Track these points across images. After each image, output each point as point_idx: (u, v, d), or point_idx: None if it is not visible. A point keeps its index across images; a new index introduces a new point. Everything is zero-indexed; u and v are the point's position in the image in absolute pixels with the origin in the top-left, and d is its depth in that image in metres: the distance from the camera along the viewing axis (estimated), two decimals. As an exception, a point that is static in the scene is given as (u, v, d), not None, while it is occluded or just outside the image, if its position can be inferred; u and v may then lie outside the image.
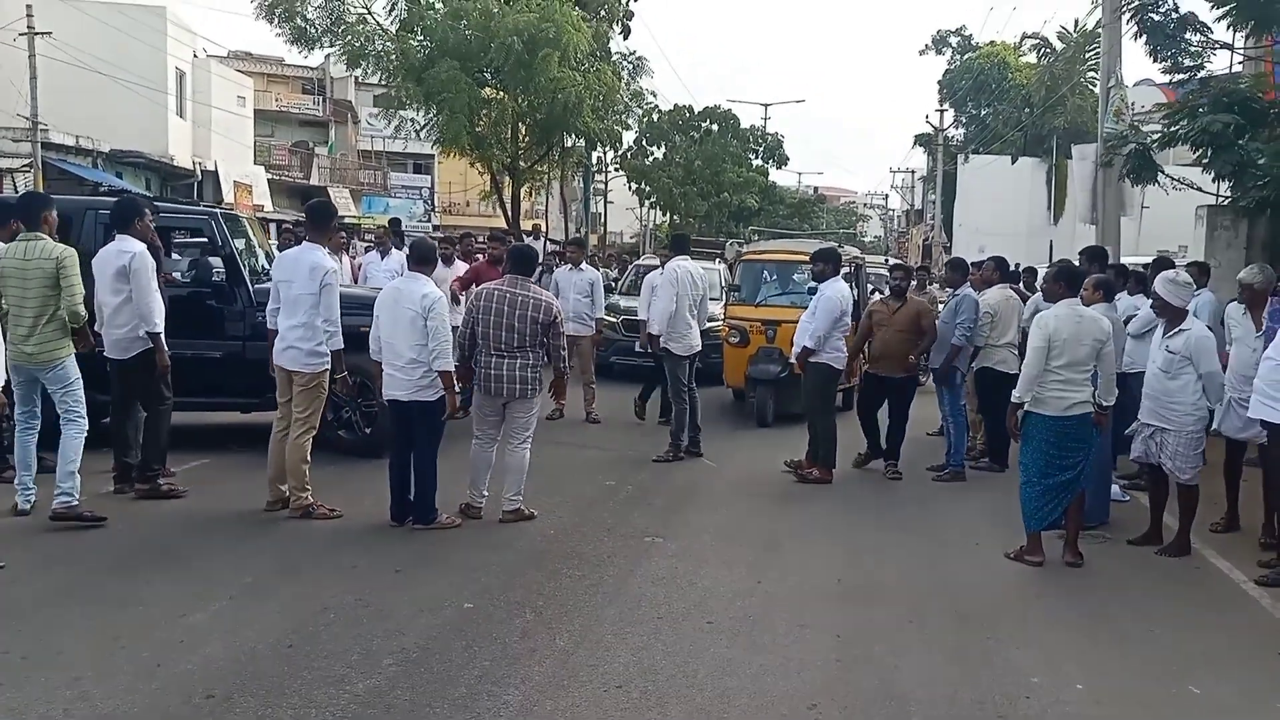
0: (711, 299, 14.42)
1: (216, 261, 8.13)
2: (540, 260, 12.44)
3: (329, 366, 6.52)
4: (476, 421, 6.59)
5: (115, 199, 7.58)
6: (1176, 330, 6.33)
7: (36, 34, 20.60)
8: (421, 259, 6.53)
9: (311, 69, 38.01)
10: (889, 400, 8.67)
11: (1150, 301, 6.98)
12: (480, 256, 11.53)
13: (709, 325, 13.35)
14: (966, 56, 43.00)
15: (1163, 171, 12.04)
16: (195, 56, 28.86)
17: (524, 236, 19.53)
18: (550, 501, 7.05)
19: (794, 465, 8.46)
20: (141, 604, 4.93)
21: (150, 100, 24.28)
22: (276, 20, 17.70)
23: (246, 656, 4.34)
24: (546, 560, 5.90)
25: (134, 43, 23.39)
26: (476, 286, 7.45)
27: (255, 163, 32.60)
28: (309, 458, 6.51)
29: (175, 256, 8.63)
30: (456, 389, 6.32)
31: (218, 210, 8.99)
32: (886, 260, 24.02)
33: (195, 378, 7.50)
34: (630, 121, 23.66)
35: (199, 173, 27.04)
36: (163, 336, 6.60)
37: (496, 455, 6.63)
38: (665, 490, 7.88)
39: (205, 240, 8.30)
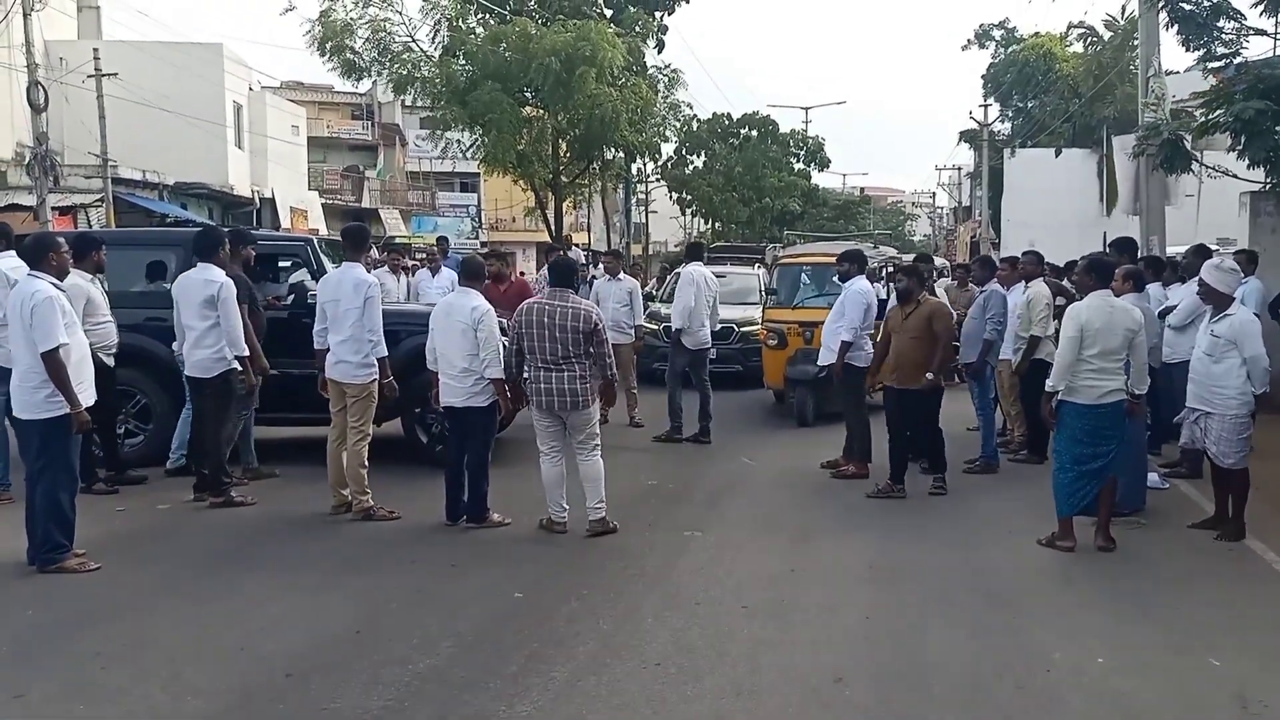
0: (751, 303, 14.89)
1: (313, 285, 8.49)
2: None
3: (377, 377, 6.97)
4: (540, 439, 6.66)
5: (200, 230, 8.18)
6: (1223, 315, 6.42)
7: (104, 75, 21.61)
8: (471, 274, 6.98)
9: (360, 95, 39.02)
10: (913, 414, 8.03)
11: (1196, 289, 7.00)
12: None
13: (748, 329, 13.85)
14: (1011, 49, 42.58)
15: (1197, 160, 12.03)
16: (250, 89, 29.90)
17: (550, 251, 20.00)
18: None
19: (831, 464, 8.73)
20: (226, 598, 5.42)
21: (209, 133, 25.25)
22: (327, 54, 18.42)
23: (319, 641, 4.80)
24: (591, 554, 6.27)
25: (193, 79, 24.38)
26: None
27: (309, 188, 33.59)
28: (366, 463, 6.97)
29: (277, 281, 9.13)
30: (508, 394, 6.71)
31: (313, 238, 9.50)
32: (931, 259, 24.01)
33: (299, 394, 7.73)
34: (668, 133, 24.03)
35: (257, 200, 28.01)
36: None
37: (569, 468, 6.68)
38: (705, 487, 8.21)
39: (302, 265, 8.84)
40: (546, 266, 12.54)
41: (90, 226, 18.90)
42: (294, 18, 20.32)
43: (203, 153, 25.26)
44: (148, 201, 22.95)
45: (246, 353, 7.18)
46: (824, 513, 7.44)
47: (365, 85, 25.47)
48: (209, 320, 7.08)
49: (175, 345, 7.43)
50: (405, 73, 18.90)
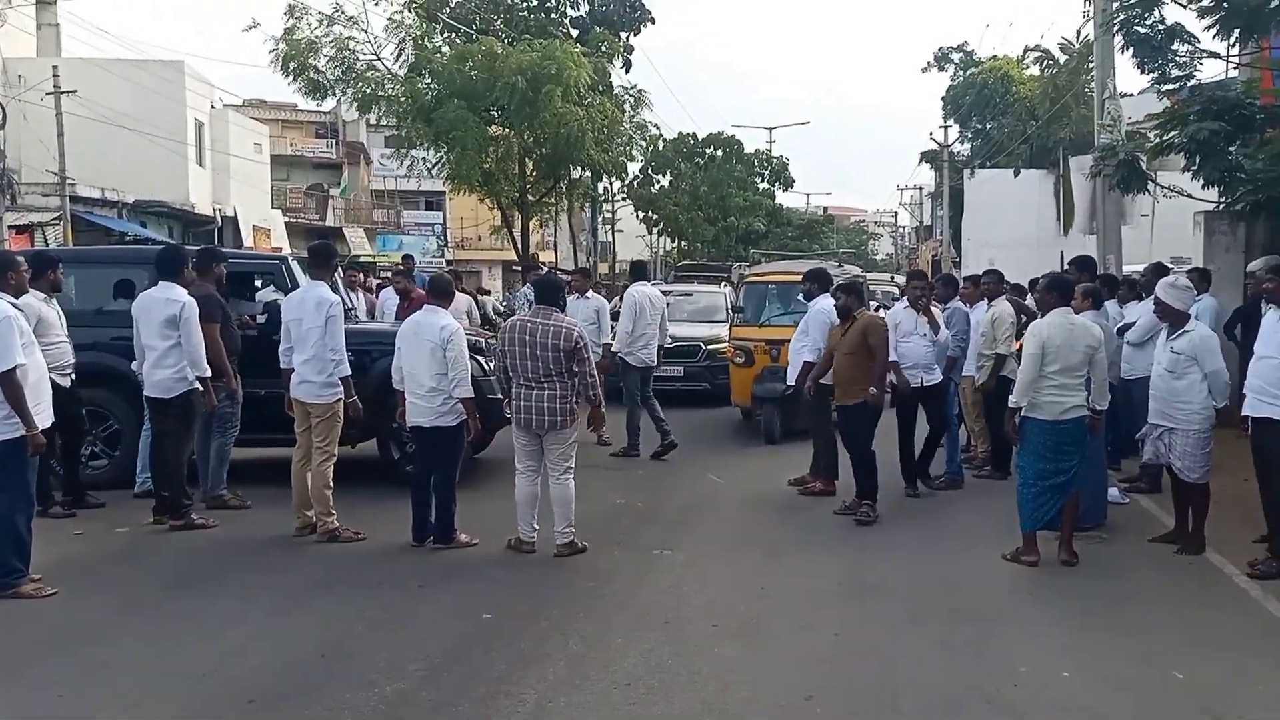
0: (718, 321, 14.96)
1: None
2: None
3: (342, 396, 6.90)
4: (517, 456, 6.63)
5: (163, 248, 8.05)
6: (1180, 332, 6.54)
7: (63, 93, 21.32)
8: (440, 292, 6.93)
9: (324, 113, 38.82)
10: (843, 429, 8.09)
11: (1152, 307, 7.12)
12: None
13: (715, 347, 13.91)
14: (970, 72, 43.31)
15: (1153, 180, 12.27)
16: (213, 107, 29.64)
17: (532, 269, 19.96)
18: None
19: (798, 482, 8.76)
20: (189, 621, 5.32)
21: (171, 151, 24.98)
22: (290, 73, 18.32)
23: (285, 665, 4.72)
24: (559, 574, 6.22)
25: (155, 97, 24.12)
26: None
27: (273, 206, 33.32)
28: (331, 484, 6.88)
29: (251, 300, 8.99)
30: (477, 414, 6.68)
31: (287, 256, 9.38)
32: (892, 278, 24.29)
33: (272, 414, 7.54)
34: (634, 152, 24.14)
35: (219, 219, 27.72)
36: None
37: (542, 489, 6.64)
38: (673, 506, 8.20)
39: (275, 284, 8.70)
40: (529, 284, 12.62)
41: (47, 245, 18.60)
42: (258, 35, 20.21)
43: (163, 171, 24.98)
44: (106, 220, 22.64)
45: (208, 373, 7.08)
46: (792, 530, 7.45)
47: (329, 104, 25.38)
48: (170, 340, 6.98)
49: (135, 365, 7.31)
50: (370, 91, 18.84)
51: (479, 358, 8.16)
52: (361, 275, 13.15)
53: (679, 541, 7.04)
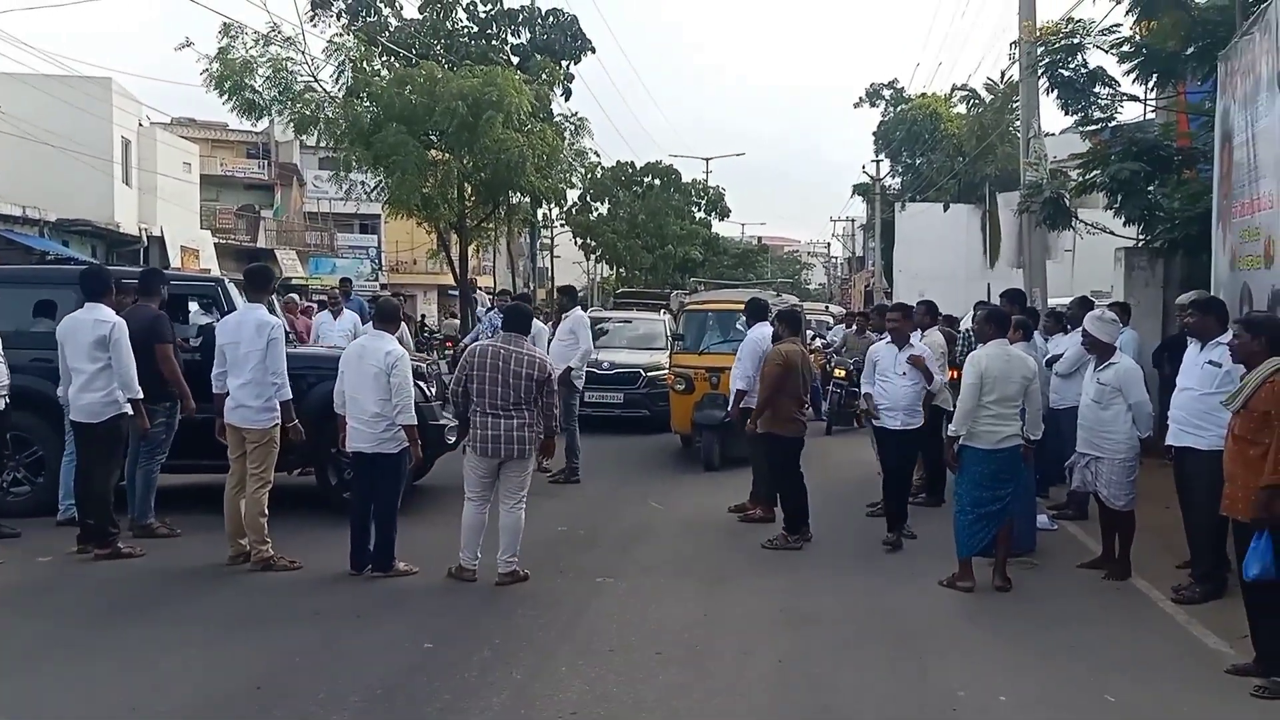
0: (657, 348, 15.03)
1: None
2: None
3: (279, 421, 6.77)
4: (469, 483, 6.52)
5: (85, 269, 7.81)
6: (1106, 364, 6.78)
7: (-14, 110, 20.67)
8: (385, 318, 6.86)
9: (256, 133, 38.19)
10: (771, 458, 8.15)
11: (1080, 339, 7.39)
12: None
13: (655, 374, 13.96)
14: (900, 108, 44.39)
15: (1076, 217, 12.71)
16: (140, 125, 28.97)
17: (503, 295, 19.88)
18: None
19: (738, 509, 8.82)
20: (114, 655, 5.13)
21: (96, 169, 24.32)
22: (225, 93, 18.01)
23: (217, 699, 4.58)
24: (501, 603, 6.16)
25: (81, 114, 23.46)
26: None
27: (202, 227, 32.60)
28: (266, 511, 6.73)
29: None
30: (419, 441, 6.62)
31: (223, 278, 9.09)
32: (826, 308, 24.66)
33: (203, 439, 7.29)
34: (574, 179, 24.24)
35: (145, 238, 27.01)
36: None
37: (490, 516, 6.58)
38: (614, 533, 8.19)
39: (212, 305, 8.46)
40: (492, 311, 12.49)
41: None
42: (189, 54, 19.92)
43: (89, 189, 24.27)
44: (26, 238, 21.88)
45: (140, 395, 6.88)
46: (734, 557, 7.49)
47: (263, 124, 24.99)
48: (99, 362, 6.78)
49: (60, 389, 7.08)
50: (308, 113, 18.63)
51: (420, 383, 8.07)
52: (297, 297, 12.93)
53: (622, 569, 7.02)
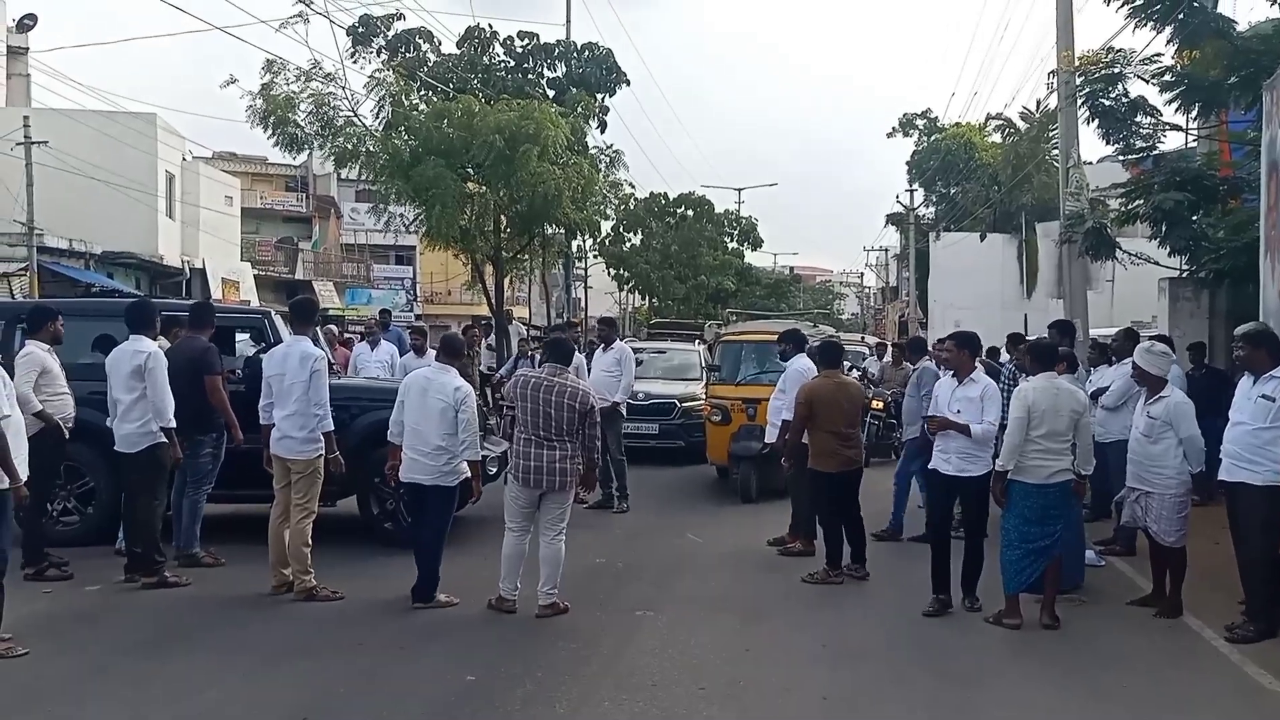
0: (692, 379, 15.04)
1: None
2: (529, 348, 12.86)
3: (323, 452, 6.83)
4: (510, 514, 6.54)
5: (133, 302, 7.97)
6: (1157, 397, 6.66)
7: (33, 143, 21.19)
8: (451, 352, 6.93)
9: (294, 167, 38.88)
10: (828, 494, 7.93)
11: (1130, 372, 7.28)
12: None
13: (690, 404, 13.96)
14: (934, 137, 44.33)
15: (1119, 248, 12.59)
16: (184, 159, 29.59)
17: (497, 325, 20.04)
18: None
19: (777, 541, 8.74)
20: (162, 682, 5.19)
21: (141, 202, 24.84)
22: (270, 128, 18.38)
23: (263, 729, 4.58)
24: (543, 635, 6.14)
25: (126, 149, 24.02)
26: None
27: (242, 259, 33.16)
28: (310, 541, 6.78)
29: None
30: (480, 476, 6.73)
31: (270, 311, 9.14)
32: (862, 338, 24.54)
33: (250, 469, 7.36)
34: (608, 211, 24.37)
35: (187, 270, 27.51)
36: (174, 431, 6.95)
37: (530, 548, 6.58)
38: (654, 566, 8.15)
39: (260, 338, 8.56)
40: (542, 345, 12.64)
41: (13, 296, 18.32)
42: (231, 90, 20.33)
43: (133, 222, 24.79)
44: (73, 270, 22.37)
45: (173, 424, 6.94)
46: (774, 590, 7.42)
47: (301, 158, 25.41)
48: (135, 392, 6.88)
49: (108, 420, 7.20)
50: (350, 147, 18.93)
51: None
52: (335, 329, 13.04)
53: (661, 602, 6.98)
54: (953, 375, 7.08)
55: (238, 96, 19.06)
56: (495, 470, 8.10)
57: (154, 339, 7.14)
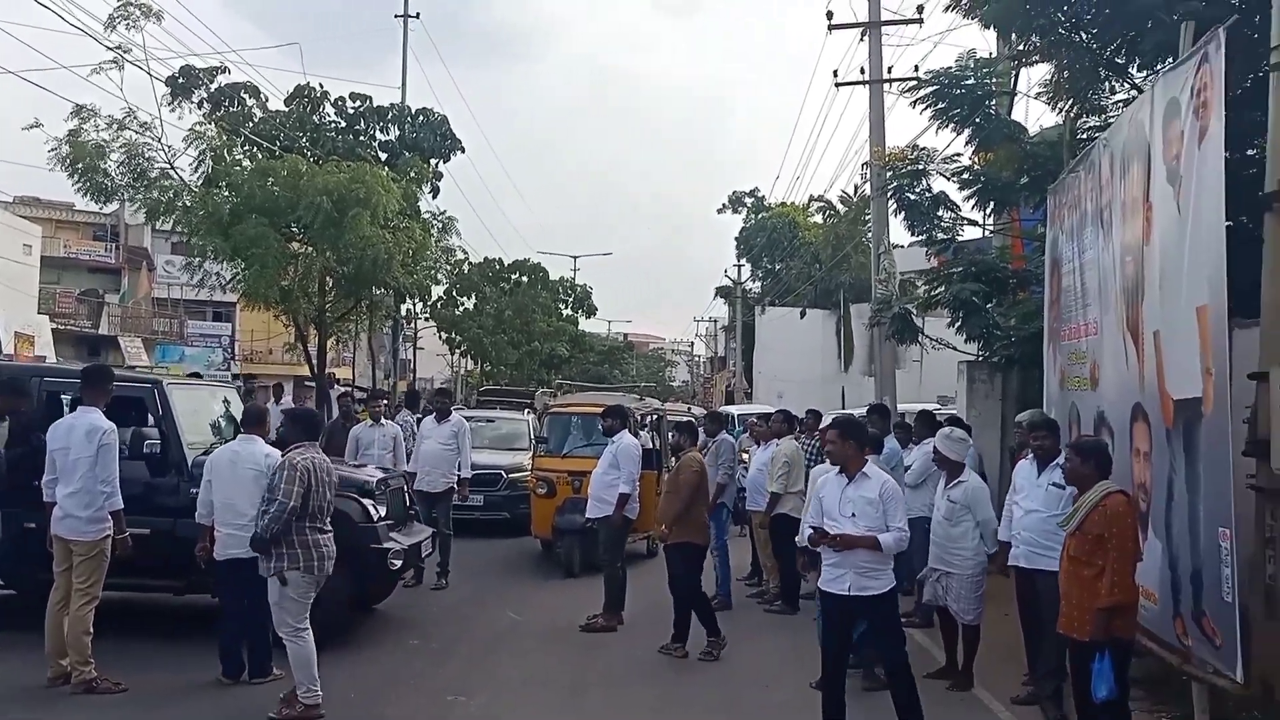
0: (519, 449, 14.90)
1: (153, 433, 7.42)
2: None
3: (110, 533, 6.35)
4: (295, 612, 5.95)
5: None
6: (956, 482, 7.02)
7: None
8: (252, 421, 6.76)
9: (104, 215, 36.67)
10: (669, 568, 8.08)
11: (930, 454, 7.74)
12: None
13: (516, 475, 13.82)
14: (760, 215, 46.31)
15: (922, 333, 13.41)
16: (-23, 203, 27.49)
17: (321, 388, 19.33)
18: (353, 660, 7.01)
19: (588, 627, 8.50)
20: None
21: (-77, 247, 22.86)
22: (76, 175, 17.25)
23: None
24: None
25: (-92, 189, 22.14)
26: None
27: (39, 311, 30.84)
28: (91, 629, 6.26)
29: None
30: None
31: (162, 380, 8.11)
32: (689, 409, 25.01)
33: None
34: (440, 276, 24.08)
35: (-28, 322, 25.33)
36: None
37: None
38: (469, 643, 7.95)
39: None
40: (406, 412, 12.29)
41: None
42: (36, 133, 18.88)
43: (-85, 269, 22.77)
44: None
45: None
46: (596, 667, 7.37)
47: (112, 206, 23.99)
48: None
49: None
50: (165, 200, 17.98)
51: (366, 500, 7.65)
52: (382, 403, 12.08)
53: (475, 683, 6.80)
54: (840, 472, 5.78)
55: (42, 141, 17.86)
56: (399, 564, 7.71)
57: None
